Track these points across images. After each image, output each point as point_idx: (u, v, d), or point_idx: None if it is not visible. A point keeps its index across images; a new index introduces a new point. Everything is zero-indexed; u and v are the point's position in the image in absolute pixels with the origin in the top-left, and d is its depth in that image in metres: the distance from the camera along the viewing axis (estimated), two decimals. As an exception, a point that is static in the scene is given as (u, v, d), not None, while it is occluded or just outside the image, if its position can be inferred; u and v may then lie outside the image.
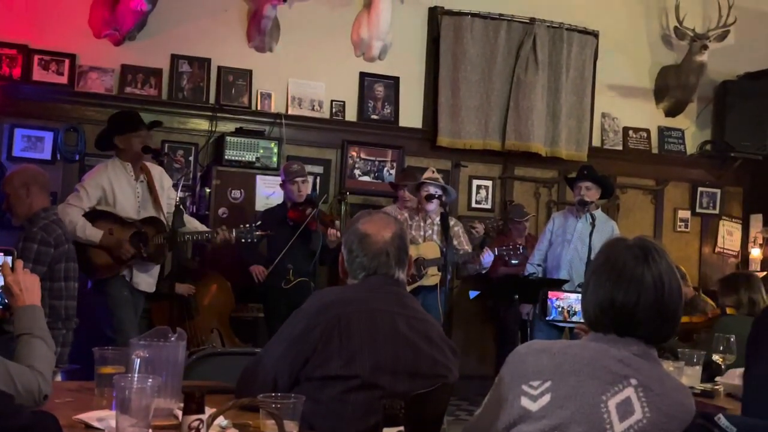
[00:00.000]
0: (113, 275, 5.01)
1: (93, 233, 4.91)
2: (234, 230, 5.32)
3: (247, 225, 5.45)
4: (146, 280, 5.16)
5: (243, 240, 5.40)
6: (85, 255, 4.85)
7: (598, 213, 6.04)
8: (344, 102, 7.24)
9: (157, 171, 5.25)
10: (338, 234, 5.75)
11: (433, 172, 6.20)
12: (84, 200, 4.96)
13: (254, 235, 5.42)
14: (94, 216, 4.99)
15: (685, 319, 5.93)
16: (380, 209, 6.19)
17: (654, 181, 8.26)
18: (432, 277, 5.96)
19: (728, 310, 4.38)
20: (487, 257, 6.03)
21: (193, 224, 5.38)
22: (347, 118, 7.25)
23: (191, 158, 6.72)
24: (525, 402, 1.82)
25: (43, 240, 4.19)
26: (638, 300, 1.86)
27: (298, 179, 5.83)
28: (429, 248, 6.00)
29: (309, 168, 6.61)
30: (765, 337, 2.26)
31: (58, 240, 4.26)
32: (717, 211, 8.43)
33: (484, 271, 6.31)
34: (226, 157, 6.47)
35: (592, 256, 5.82)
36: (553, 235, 6.11)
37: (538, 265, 6.13)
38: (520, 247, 6.06)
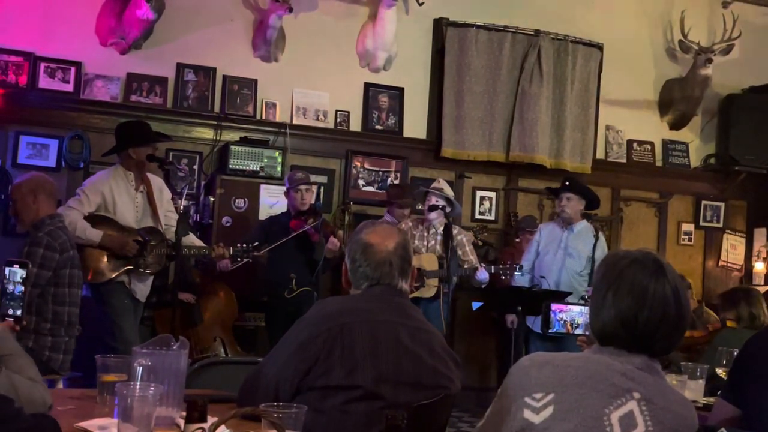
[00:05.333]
0: (111, 279, 5.00)
1: (93, 233, 4.89)
2: (231, 248, 5.35)
3: (245, 244, 5.45)
4: (142, 289, 5.16)
5: (239, 258, 5.43)
6: (84, 258, 4.84)
7: (583, 224, 6.06)
8: (349, 112, 7.25)
9: (157, 183, 5.24)
10: (337, 243, 5.76)
11: (439, 182, 6.21)
12: (84, 204, 4.94)
13: (251, 255, 5.44)
14: (93, 220, 4.97)
15: (686, 333, 5.90)
16: (382, 219, 6.21)
17: (658, 194, 8.25)
18: (430, 288, 5.95)
19: (728, 323, 4.40)
20: (481, 275, 6.03)
21: (190, 239, 5.38)
22: (352, 129, 7.26)
23: (195, 167, 6.73)
24: (528, 414, 1.82)
25: (48, 245, 4.19)
26: (662, 315, 1.86)
27: (302, 187, 5.83)
28: (428, 259, 6.00)
29: (313, 178, 6.61)
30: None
31: (63, 246, 4.26)
32: (721, 225, 8.42)
33: (483, 286, 6.32)
34: (230, 166, 6.48)
35: (579, 267, 5.87)
36: (540, 245, 6.14)
37: (528, 273, 6.13)
38: (516, 266, 6.07)
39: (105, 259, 4.98)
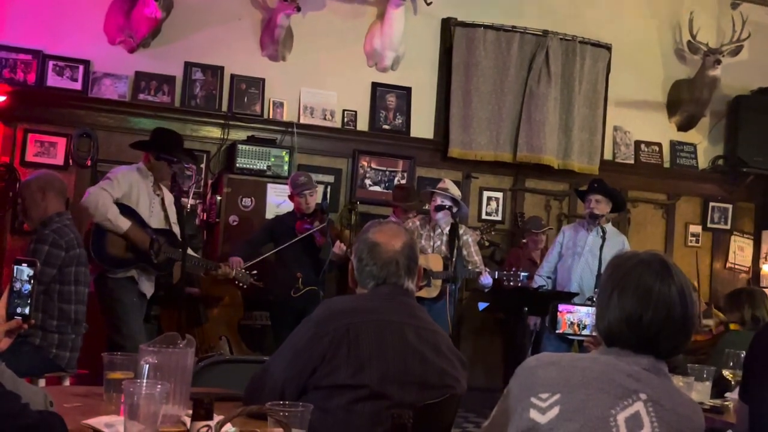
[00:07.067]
0: (121, 272, 4.99)
1: (123, 222, 4.89)
2: (235, 270, 5.51)
3: (247, 271, 5.60)
4: (147, 285, 5.18)
5: (237, 282, 5.61)
6: (103, 243, 4.83)
7: (609, 227, 6.03)
8: (356, 112, 7.25)
9: (168, 197, 5.28)
10: (344, 248, 5.76)
11: (445, 182, 6.20)
12: (115, 189, 4.92)
13: (247, 282, 5.62)
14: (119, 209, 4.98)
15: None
16: (388, 219, 6.19)
17: (665, 196, 8.23)
18: (434, 288, 5.93)
19: (732, 326, 4.40)
20: (485, 279, 6.01)
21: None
22: (359, 128, 7.26)
23: (203, 165, 6.74)
24: (533, 414, 1.81)
25: (54, 242, 4.20)
26: (667, 316, 1.86)
27: (306, 192, 5.81)
28: (434, 260, 5.99)
29: (320, 177, 6.62)
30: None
31: (69, 243, 4.27)
32: (728, 227, 8.40)
33: (486, 290, 6.30)
34: (237, 165, 6.49)
35: (603, 269, 5.81)
36: (564, 247, 6.10)
37: (548, 278, 6.11)
38: (520, 273, 6.04)
39: (123, 250, 4.98)
